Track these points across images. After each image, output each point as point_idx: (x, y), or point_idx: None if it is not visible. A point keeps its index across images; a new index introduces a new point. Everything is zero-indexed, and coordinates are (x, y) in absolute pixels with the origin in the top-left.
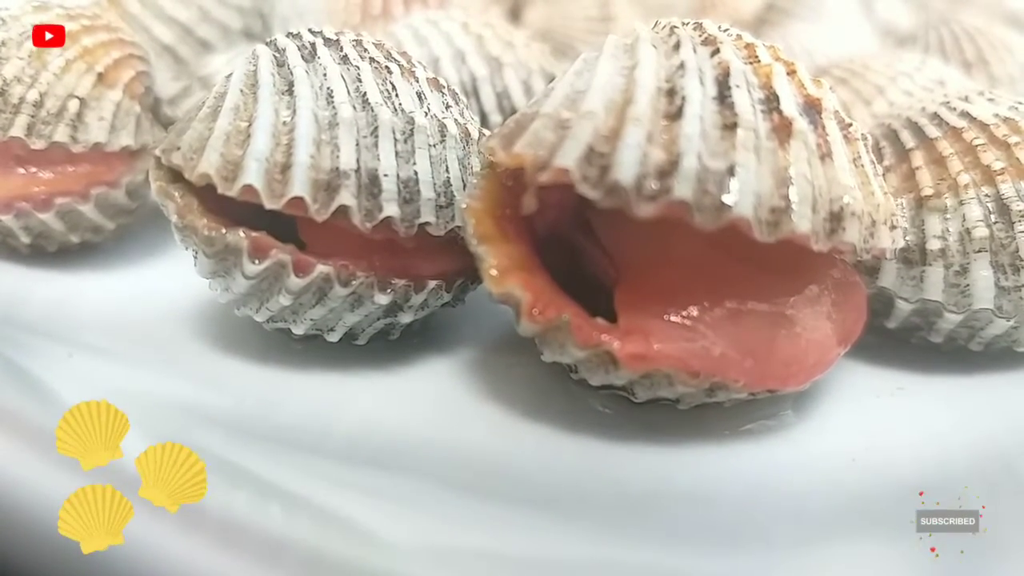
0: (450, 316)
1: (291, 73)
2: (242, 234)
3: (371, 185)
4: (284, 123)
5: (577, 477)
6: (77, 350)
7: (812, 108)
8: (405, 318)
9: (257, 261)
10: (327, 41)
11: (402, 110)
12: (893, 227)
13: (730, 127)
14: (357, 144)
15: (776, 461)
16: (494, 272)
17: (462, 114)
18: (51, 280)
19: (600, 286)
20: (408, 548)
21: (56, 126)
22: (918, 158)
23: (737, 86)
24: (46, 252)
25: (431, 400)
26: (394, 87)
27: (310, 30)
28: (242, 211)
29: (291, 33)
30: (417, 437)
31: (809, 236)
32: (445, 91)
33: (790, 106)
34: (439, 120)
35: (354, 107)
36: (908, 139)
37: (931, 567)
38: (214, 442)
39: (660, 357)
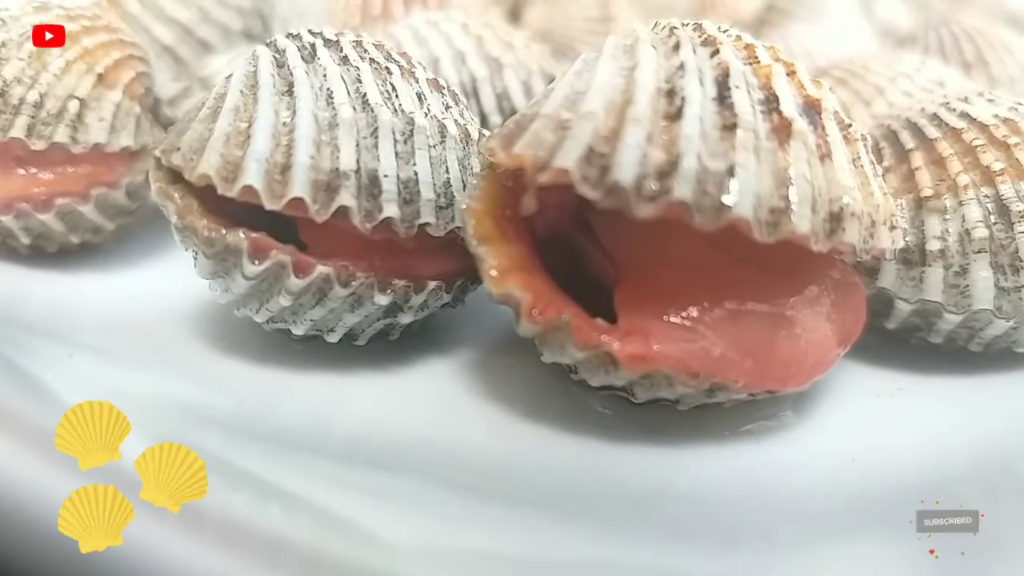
0: (450, 317)
1: (291, 74)
2: (242, 235)
3: (371, 186)
4: (284, 124)
5: (577, 477)
6: (77, 350)
7: (812, 109)
8: (405, 319)
9: (257, 262)
10: (327, 42)
11: (402, 111)
12: (893, 228)
13: (730, 128)
14: (357, 145)
15: (776, 462)
16: (494, 273)
17: (462, 115)
18: (51, 281)
19: (600, 287)
20: (408, 548)
21: (56, 127)
22: (918, 159)
23: (737, 87)
24: (46, 253)
25: (431, 401)
26: (394, 88)
27: (310, 31)
28: (242, 212)
29: (291, 34)
30: (417, 438)
31: (809, 237)
32: (445, 92)
33: (790, 107)
34: (439, 121)
35: (354, 108)
36: (908, 140)
37: (931, 567)
38: (214, 443)
39: (660, 358)
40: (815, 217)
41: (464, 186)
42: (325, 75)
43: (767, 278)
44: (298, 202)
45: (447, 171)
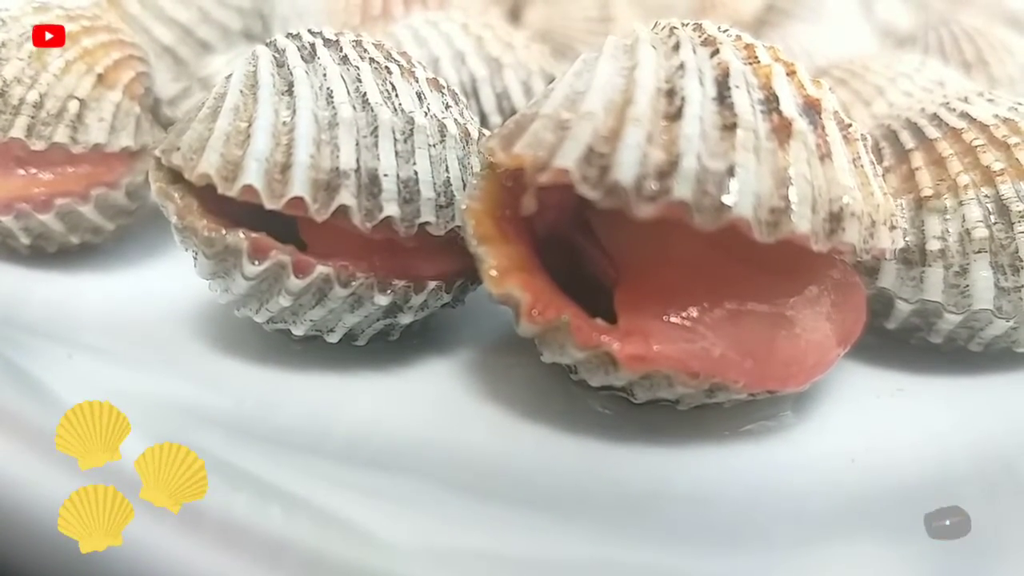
0: (450, 317)
1: (291, 73)
2: (242, 235)
3: (371, 185)
4: (284, 123)
5: (577, 478)
6: (77, 351)
7: (812, 108)
8: (405, 319)
9: (257, 262)
10: (327, 42)
11: (402, 110)
12: (893, 227)
13: (730, 127)
14: (357, 144)
15: (776, 462)
16: (494, 273)
17: (462, 114)
18: (51, 281)
19: (600, 287)
20: (408, 549)
21: (56, 127)
22: (918, 159)
23: (737, 87)
24: (46, 253)
25: (431, 401)
26: (394, 87)
27: (310, 31)
28: (242, 212)
29: (291, 34)
30: (417, 438)
31: (809, 236)
32: (445, 91)
33: (790, 106)
34: (439, 120)
35: (354, 107)
36: (908, 140)
37: (931, 567)
38: (214, 443)
39: (660, 358)
40: (815, 217)
41: (464, 185)
42: (325, 74)
43: (767, 278)
44: (298, 201)
45: (447, 170)
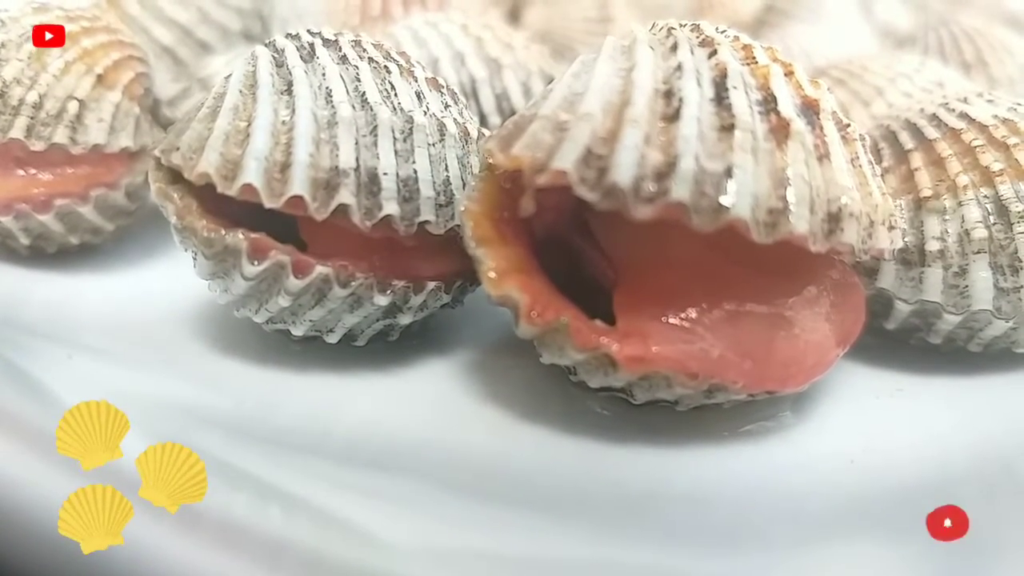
0: (449, 318)
1: (290, 73)
2: (241, 235)
3: (370, 184)
4: (283, 122)
5: (576, 478)
6: (77, 351)
7: (810, 109)
8: (404, 319)
9: (256, 262)
10: (326, 42)
11: (401, 109)
12: (891, 228)
13: (727, 128)
14: (356, 143)
15: (775, 462)
16: (492, 274)
17: (461, 113)
18: (51, 282)
19: (599, 288)
20: (408, 549)
21: (55, 128)
22: (917, 159)
23: (734, 87)
24: (45, 253)
25: (430, 402)
26: (393, 86)
27: (309, 31)
28: (242, 213)
29: (290, 34)
30: (416, 438)
31: (807, 237)
32: (444, 90)
33: (788, 107)
34: (438, 119)
35: (353, 106)
36: (907, 140)
37: (930, 567)
38: (213, 443)
39: (659, 359)
40: (813, 217)
41: (463, 184)
42: (324, 74)
43: (765, 279)
44: (298, 200)
45: (446, 169)
